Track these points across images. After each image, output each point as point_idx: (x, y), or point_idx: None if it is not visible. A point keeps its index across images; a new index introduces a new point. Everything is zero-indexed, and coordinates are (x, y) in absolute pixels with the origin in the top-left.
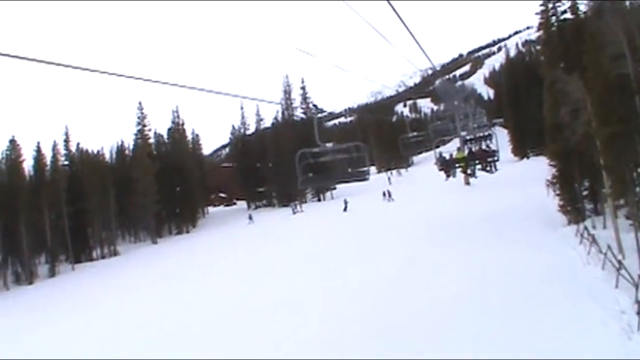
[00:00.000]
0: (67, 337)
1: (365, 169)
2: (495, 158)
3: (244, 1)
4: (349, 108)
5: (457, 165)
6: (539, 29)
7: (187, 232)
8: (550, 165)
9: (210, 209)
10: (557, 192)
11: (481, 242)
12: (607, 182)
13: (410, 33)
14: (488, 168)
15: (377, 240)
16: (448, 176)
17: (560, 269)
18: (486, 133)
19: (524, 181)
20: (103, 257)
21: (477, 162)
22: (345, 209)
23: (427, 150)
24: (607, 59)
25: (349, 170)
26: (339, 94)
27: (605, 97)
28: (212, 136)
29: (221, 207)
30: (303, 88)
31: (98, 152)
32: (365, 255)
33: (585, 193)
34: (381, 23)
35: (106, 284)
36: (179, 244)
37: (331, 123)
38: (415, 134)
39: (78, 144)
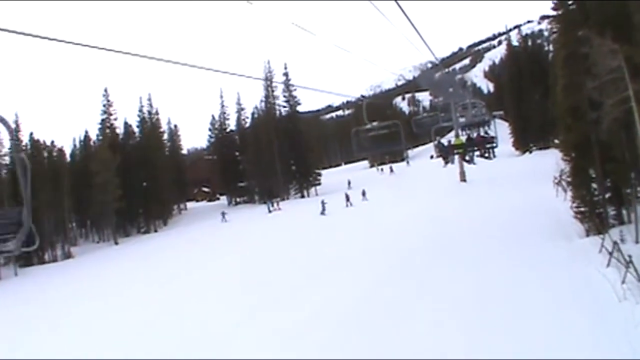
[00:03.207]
0: None
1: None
2: (494, 144)
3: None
4: (347, 101)
5: (455, 151)
6: None
7: (156, 230)
8: (564, 159)
9: (192, 204)
10: (572, 192)
11: (472, 260)
12: None
13: (412, 24)
14: (487, 154)
15: (347, 257)
16: (446, 162)
17: (585, 306)
18: (485, 119)
19: (527, 178)
20: (54, 259)
21: (475, 148)
22: (322, 212)
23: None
24: None
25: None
26: (338, 85)
27: None
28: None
29: (203, 203)
30: (286, 74)
31: (52, 142)
32: (323, 279)
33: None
34: (384, 17)
35: (31, 296)
36: (138, 246)
37: (328, 116)
38: (375, 124)
39: (31, 133)
